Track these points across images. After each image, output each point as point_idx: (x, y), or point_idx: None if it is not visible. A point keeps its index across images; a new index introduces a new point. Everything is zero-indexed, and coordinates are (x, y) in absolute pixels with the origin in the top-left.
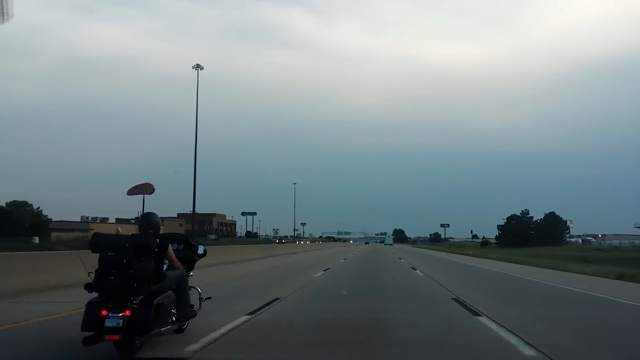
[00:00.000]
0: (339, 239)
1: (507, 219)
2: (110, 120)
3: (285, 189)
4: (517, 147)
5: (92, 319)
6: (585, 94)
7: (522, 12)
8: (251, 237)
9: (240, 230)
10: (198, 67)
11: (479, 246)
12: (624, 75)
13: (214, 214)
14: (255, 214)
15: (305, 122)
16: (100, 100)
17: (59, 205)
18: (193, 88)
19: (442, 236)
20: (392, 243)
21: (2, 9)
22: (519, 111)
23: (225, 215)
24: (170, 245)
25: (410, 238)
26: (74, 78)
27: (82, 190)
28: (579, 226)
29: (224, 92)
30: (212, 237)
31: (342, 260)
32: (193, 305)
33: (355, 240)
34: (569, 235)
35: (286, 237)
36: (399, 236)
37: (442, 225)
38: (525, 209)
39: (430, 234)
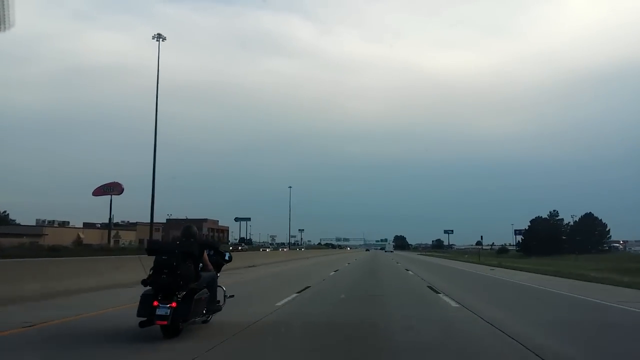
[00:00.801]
0: (338, 246)
1: (531, 222)
2: (109, 128)
3: (283, 196)
4: (519, 153)
5: (146, 307)
6: (586, 101)
7: (521, 20)
8: (245, 244)
9: (233, 237)
10: (159, 37)
11: (495, 254)
12: (626, 82)
13: (204, 220)
14: (249, 219)
15: (305, 130)
16: (98, 108)
17: (38, 210)
18: (191, 95)
19: (445, 243)
20: (392, 250)
21: (4, 17)
22: (520, 118)
23: (217, 221)
24: (205, 251)
25: (411, 245)
26: (71, 86)
27: (71, 196)
28: None
29: (224, 100)
30: None
31: (294, 296)
32: (219, 301)
33: (353, 247)
34: (610, 240)
35: (283, 244)
36: (400, 243)
37: (445, 232)
38: (554, 210)
39: (432, 241)
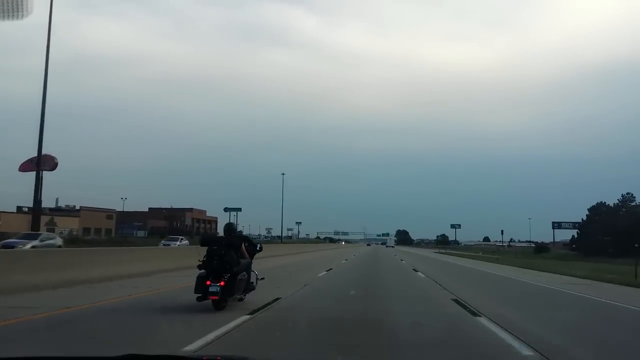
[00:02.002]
0: (338, 240)
1: (590, 210)
2: (107, 120)
3: (284, 189)
4: (527, 149)
5: (201, 286)
6: (595, 98)
7: (528, 14)
8: None
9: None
10: None
11: (532, 254)
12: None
13: (189, 209)
14: (239, 209)
15: (308, 124)
16: (97, 100)
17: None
18: (191, 87)
19: (453, 238)
20: (393, 245)
21: (22, 5)
22: (528, 114)
23: (205, 211)
24: (242, 243)
25: (413, 240)
26: (70, 77)
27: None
28: None
29: (225, 92)
30: (140, 234)
31: None
32: (253, 282)
33: (354, 241)
34: None
35: (278, 237)
36: (402, 237)
37: (452, 226)
38: (628, 193)
39: (437, 236)
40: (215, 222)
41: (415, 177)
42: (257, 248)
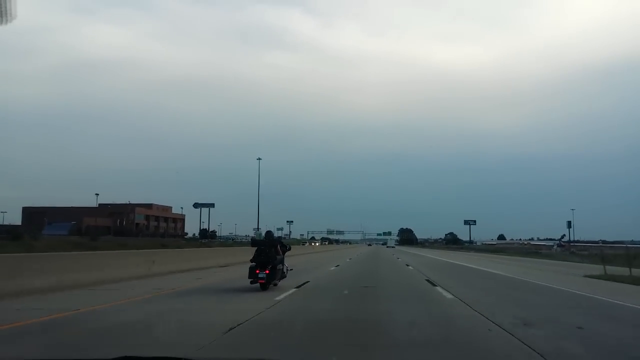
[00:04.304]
0: (336, 241)
1: None
2: (105, 122)
3: (279, 191)
4: (529, 147)
5: (252, 273)
6: (595, 95)
7: (525, 13)
8: (207, 238)
9: (196, 227)
10: None
11: None
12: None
13: (148, 205)
14: (212, 205)
15: (306, 125)
16: (95, 102)
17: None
18: (191, 89)
19: (463, 236)
20: (394, 245)
21: (5, 9)
22: (524, 113)
23: (170, 208)
24: (278, 244)
25: (418, 239)
26: (71, 80)
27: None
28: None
29: (223, 94)
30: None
31: None
32: (285, 272)
33: (350, 242)
34: None
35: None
36: (407, 236)
37: (466, 222)
38: None
39: (446, 234)
40: (182, 220)
41: (417, 175)
42: (287, 248)
